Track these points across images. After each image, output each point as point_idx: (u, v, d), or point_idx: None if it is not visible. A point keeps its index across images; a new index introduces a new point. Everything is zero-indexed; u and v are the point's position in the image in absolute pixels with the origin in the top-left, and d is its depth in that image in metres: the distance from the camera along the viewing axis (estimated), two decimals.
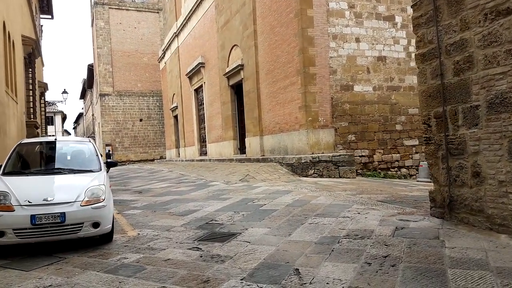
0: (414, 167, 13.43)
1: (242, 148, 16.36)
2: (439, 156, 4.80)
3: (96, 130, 37.98)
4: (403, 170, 13.41)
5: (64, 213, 3.99)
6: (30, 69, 10.32)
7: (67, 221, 3.97)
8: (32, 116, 10.18)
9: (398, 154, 13.19)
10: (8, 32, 7.44)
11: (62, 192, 4.18)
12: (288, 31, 12.07)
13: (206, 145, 20.86)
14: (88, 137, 51.16)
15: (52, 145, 5.29)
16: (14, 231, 3.84)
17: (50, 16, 19.61)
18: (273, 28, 12.96)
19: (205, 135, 20.91)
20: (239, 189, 8.52)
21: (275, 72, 12.98)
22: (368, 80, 12.66)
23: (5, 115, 6.77)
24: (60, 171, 4.70)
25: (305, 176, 10.35)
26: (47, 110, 54.00)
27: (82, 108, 63.34)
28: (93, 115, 43.02)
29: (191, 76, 21.98)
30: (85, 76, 43.57)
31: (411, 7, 5.27)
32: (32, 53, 10.17)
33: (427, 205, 5.24)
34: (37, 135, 10.01)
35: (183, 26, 23.00)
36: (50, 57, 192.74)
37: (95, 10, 31.76)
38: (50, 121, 54.91)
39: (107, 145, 32.22)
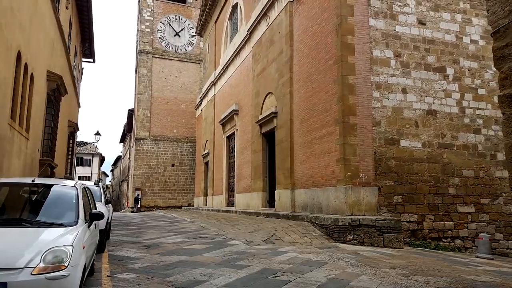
0: (470, 238, 11.39)
1: (271, 201, 15.00)
2: None
3: (130, 174, 38.11)
4: (457, 241, 11.37)
5: (5, 283, 2.86)
6: (54, 106, 9.94)
7: None
8: (48, 155, 9.58)
9: (451, 222, 11.27)
10: (26, 63, 6.98)
11: (9, 253, 3.07)
12: (326, 78, 11.15)
13: (234, 194, 19.69)
14: (122, 181, 51.64)
15: (25, 188, 4.33)
16: None
17: (91, 60, 20.28)
18: (310, 75, 12.12)
19: (233, 184, 19.84)
20: (261, 254, 7.11)
21: (311, 121, 11.91)
22: (416, 135, 11.24)
23: (4, 150, 6.05)
24: (20, 223, 3.64)
25: (343, 242, 8.75)
26: (84, 152, 55.88)
27: (121, 152, 65.17)
28: (129, 158, 43.67)
29: (224, 123, 21.50)
30: (125, 120, 44.96)
31: (491, 35, 4.06)
32: (57, 89, 9.83)
33: None
34: (50, 175, 9.33)
35: (221, 75, 23.06)
36: (96, 101, 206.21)
37: (139, 58, 33.18)
38: (87, 163, 56.58)
39: (136, 189, 31.86)
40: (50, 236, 3.39)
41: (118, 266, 6.05)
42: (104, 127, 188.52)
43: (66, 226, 3.70)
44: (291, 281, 5.00)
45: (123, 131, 50.87)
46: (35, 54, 7.81)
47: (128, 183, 38.09)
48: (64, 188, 4.42)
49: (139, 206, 31.03)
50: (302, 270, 5.66)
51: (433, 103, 11.68)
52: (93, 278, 5.12)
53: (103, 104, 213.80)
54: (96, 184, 8.40)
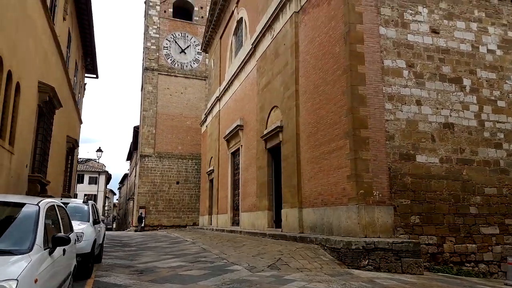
0: (495, 262, 10.40)
1: (277, 221, 14.16)
2: None
3: (134, 192, 37.52)
4: (482, 266, 10.36)
5: None
6: (46, 119, 9.39)
7: None
8: (39, 171, 8.96)
9: (474, 245, 10.30)
10: (10, 71, 6.44)
11: None
12: (334, 89, 10.50)
13: (239, 213, 18.87)
14: (128, 199, 50.94)
15: None
16: None
17: (94, 76, 19.98)
18: (317, 87, 11.48)
19: (238, 203, 19.05)
20: (265, 282, 6.30)
21: (318, 135, 11.20)
22: (433, 149, 10.44)
23: None
24: None
25: (356, 268, 7.87)
26: (91, 170, 55.55)
27: (128, 170, 64.83)
28: (135, 176, 43.17)
29: (229, 139, 20.90)
30: (132, 138, 44.69)
31: None
32: (50, 101, 9.29)
33: None
34: (38, 192, 8.67)
35: (225, 90, 22.64)
36: (103, 118, 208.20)
37: (145, 75, 33.05)
38: (94, 181, 56.19)
39: (140, 207, 31.13)
40: None
41: None
42: (111, 145, 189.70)
43: (15, 254, 2.99)
44: None
45: (130, 149, 50.61)
46: (22, 62, 7.30)
47: (133, 201, 37.42)
48: (24, 207, 3.69)
49: (142, 225, 30.25)
50: None
51: (450, 115, 10.92)
52: None
53: (110, 121, 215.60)
54: (85, 202, 7.73)
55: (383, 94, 10.14)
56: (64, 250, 4.00)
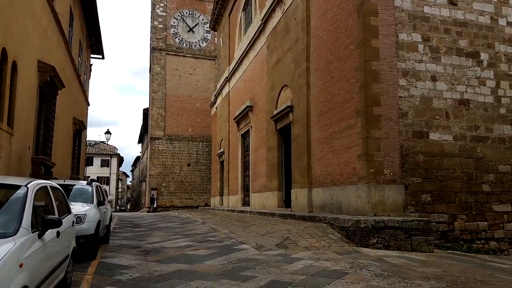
0: (506, 240, 10.21)
1: (287, 201, 14.07)
2: None
3: (146, 174, 37.91)
4: (492, 243, 10.17)
5: None
6: (49, 100, 9.28)
7: None
8: (43, 153, 8.90)
9: (485, 222, 10.10)
10: (4, 49, 6.28)
11: None
12: (346, 65, 10.12)
13: (249, 194, 18.85)
14: (141, 181, 51.45)
15: None
16: None
17: (100, 56, 19.79)
18: (329, 63, 11.10)
19: (248, 184, 19.00)
20: (272, 261, 6.21)
21: (329, 114, 10.90)
22: (447, 127, 10.08)
23: None
24: None
25: (365, 246, 7.73)
26: (103, 153, 56.16)
27: (140, 152, 65.47)
28: (146, 158, 43.56)
29: (238, 120, 20.68)
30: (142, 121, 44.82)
31: None
32: (51, 81, 9.14)
33: None
34: (42, 175, 8.64)
35: (235, 70, 22.25)
36: (114, 101, 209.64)
37: (153, 56, 32.71)
38: (106, 163, 56.93)
39: (152, 189, 31.45)
40: None
41: (103, 277, 5.27)
42: (124, 128, 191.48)
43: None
44: None
45: (141, 131, 50.89)
46: (18, 40, 7.12)
47: (145, 183, 37.84)
48: (12, 189, 3.51)
49: (155, 206, 30.64)
50: (317, 284, 4.73)
51: (466, 91, 10.49)
52: None
53: (122, 104, 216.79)
54: (89, 183, 7.67)
55: (397, 69, 9.74)
56: (58, 233, 3.92)
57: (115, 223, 15.31)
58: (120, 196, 74.87)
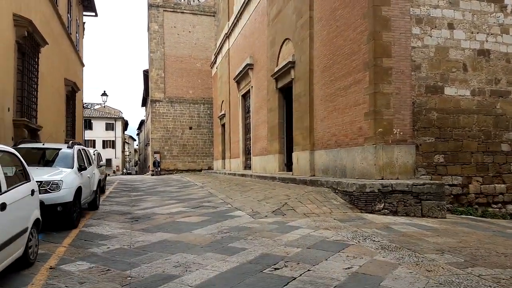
0: None
1: (289, 164, 13.46)
2: None
3: (149, 137, 37.46)
4: (510, 207, 9.57)
5: None
6: (29, 58, 8.43)
7: None
8: (26, 115, 8.20)
9: (503, 185, 9.43)
10: None
11: None
12: (354, 12, 9.04)
13: (250, 157, 18.28)
14: (146, 145, 51.22)
15: None
16: None
17: (93, 14, 18.53)
18: (334, 11, 9.99)
19: (250, 147, 18.37)
20: (265, 230, 5.62)
21: (334, 69, 9.95)
22: (464, 80, 9.13)
23: None
24: None
25: (370, 212, 7.12)
26: (107, 116, 55.59)
27: (144, 116, 64.80)
28: (149, 122, 42.93)
29: (238, 80, 19.68)
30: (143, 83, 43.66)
31: None
32: (29, 37, 8.25)
33: None
34: (27, 138, 8.01)
35: (234, 25, 20.90)
36: (116, 63, 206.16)
37: (150, 13, 31.03)
38: (111, 127, 56.57)
39: (155, 152, 31.08)
40: None
41: (78, 250, 4.72)
42: (126, 90, 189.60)
43: None
44: (295, 278, 3.48)
45: (143, 94, 49.91)
46: None
47: (149, 146, 37.49)
48: None
49: (158, 169, 30.43)
50: (314, 258, 4.11)
51: (486, 41, 9.43)
52: (27, 272, 3.81)
53: (124, 66, 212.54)
54: (70, 147, 7.01)
55: (410, 16, 8.67)
56: (3, 205, 3.30)
57: (114, 187, 14.93)
58: (128, 159, 75.28)
